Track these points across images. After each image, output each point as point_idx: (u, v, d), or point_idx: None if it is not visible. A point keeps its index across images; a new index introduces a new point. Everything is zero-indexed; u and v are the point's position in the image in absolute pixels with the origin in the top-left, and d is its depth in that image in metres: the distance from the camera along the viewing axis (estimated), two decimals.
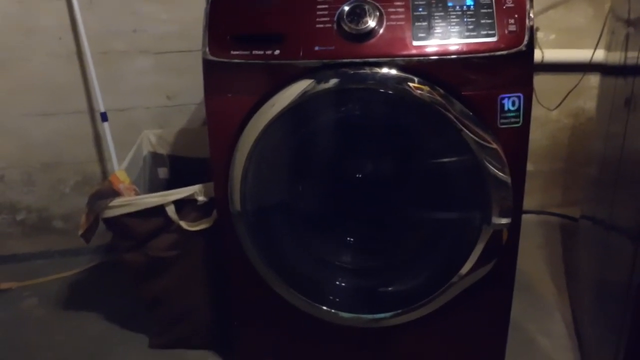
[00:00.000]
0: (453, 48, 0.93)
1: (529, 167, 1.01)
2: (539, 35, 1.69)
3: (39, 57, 1.61)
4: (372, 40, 0.94)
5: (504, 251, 1.03)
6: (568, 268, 1.58)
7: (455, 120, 0.94)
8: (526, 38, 0.92)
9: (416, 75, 0.94)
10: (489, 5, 0.93)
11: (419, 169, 1.10)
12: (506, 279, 1.09)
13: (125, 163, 1.39)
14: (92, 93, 1.64)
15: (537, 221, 1.83)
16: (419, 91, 0.93)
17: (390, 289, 1.12)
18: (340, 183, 1.15)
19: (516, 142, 0.97)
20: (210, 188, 1.15)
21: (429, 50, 0.93)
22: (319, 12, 0.96)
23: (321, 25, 0.95)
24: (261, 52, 0.97)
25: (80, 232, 1.22)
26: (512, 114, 0.95)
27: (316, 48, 0.95)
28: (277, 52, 0.96)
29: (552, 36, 1.71)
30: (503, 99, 0.94)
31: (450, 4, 0.94)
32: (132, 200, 1.20)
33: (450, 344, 1.16)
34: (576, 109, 1.80)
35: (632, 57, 1.05)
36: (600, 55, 1.48)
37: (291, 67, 0.96)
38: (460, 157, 0.98)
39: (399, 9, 0.94)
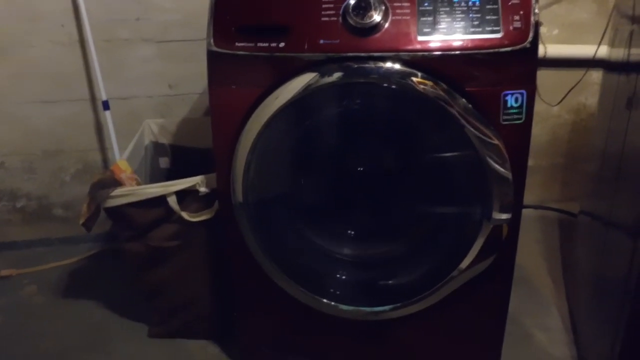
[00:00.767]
0: (457, 44, 0.93)
1: (529, 162, 1.02)
2: (542, 30, 1.68)
3: (41, 44, 1.60)
4: (377, 35, 0.94)
5: (503, 246, 1.04)
6: (566, 263, 1.59)
7: (458, 115, 0.94)
8: (531, 35, 0.92)
9: (420, 70, 0.94)
10: (495, 2, 0.93)
11: (421, 164, 1.10)
12: (505, 273, 1.10)
13: (126, 152, 1.39)
14: (94, 81, 1.63)
15: (535, 216, 1.84)
16: (422, 86, 0.93)
17: (390, 282, 1.12)
18: (342, 176, 1.15)
19: (518, 138, 0.98)
20: (213, 179, 1.15)
21: (433, 45, 0.93)
22: (324, 5, 0.95)
23: (326, 19, 0.95)
24: (266, 44, 0.96)
25: (81, 221, 1.22)
26: (514, 111, 0.95)
27: (321, 41, 0.95)
28: (282, 44, 0.96)
29: (555, 31, 1.71)
30: (506, 95, 0.94)
31: None
32: (133, 190, 1.20)
33: (448, 337, 1.17)
34: (577, 105, 1.80)
35: (636, 54, 1.05)
36: (603, 51, 1.48)
37: (296, 60, 0.96)
38: (462, 152, 0.99)
39: (405, 4, 0.94)
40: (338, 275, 1.14)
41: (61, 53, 1.61)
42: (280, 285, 1.12)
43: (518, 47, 0.92)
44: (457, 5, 0.93)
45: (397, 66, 0.94)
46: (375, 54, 0.94)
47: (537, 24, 0.93)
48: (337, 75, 0.95)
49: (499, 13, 0.93)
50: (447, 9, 0.93)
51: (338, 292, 1.12)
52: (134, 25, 1.61)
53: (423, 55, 0.94)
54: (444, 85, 0.94)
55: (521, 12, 0.92)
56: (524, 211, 1.06)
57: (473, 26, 0.93)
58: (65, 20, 1.58)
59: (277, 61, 0.97)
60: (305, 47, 0.95)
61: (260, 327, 1.23)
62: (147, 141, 1.54)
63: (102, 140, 1.73)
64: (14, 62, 1.61)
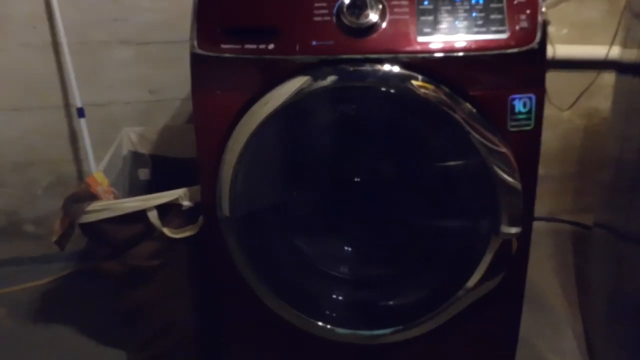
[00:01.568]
0: (460, 45, 0.93)
1: (539, 170, 1.02)
2: (551, 29, 1.69)
3: (10, 47, 1.59)
4: (374, 35, 0.94)
5: (513, 262, 1.03)
6: (580, 279, 1.59)
7: (462, 121, 0.94)
8: (538, 35, 0.92)
9: (420, 73, 0.94)
10: (499, 0, 0.93)
11: (423, 174, 1.10)
12: (515, 292, 1.09)
13: (103, 163, 1.38)
14: (68, 87, 1.62)
15: (547, 229, 1.84)
16: (423, 90, 0.94)
17: (390, 302, 1.12)
18: (338, 188, 1.15)
19: (527, 146, 0.98)
20: (197, 192, 1.14)
21: (434, 46, 0.94)
22: (317, 4, 0.95)
23: (319, 19, 0.95)
24: (254, 47, 0.96)
25: (54, 239, 1.21)
26: (523, 116, 0.96)
27: (313, 43, 0.95)
28: (271, 46, 0.96)
29: (565, 31, 1.72)
30: (514, 99, 0.95)
31: None
32: (110, 205, 1.19)
33: None
34: (589, 109, 1.80)
35: None
36: (616, 52, 1.48)
37: (286, 63, 0.96)
38: (467, 161, 0.99)
39: (403, 2, 0.94)
40: (334, 296, 1.13)
41: (32, 57, 1.60)
42: (271, 307, 1.11)
43: (525, 48, 0.92)
44: (460, 3, 0.94)
45: (395, 69, 0.94)
46: (372, 56, 0.94)
47: (545, 24, 0.94)
48: (331, 79, 0.95)
49: (504, 12, 0.93)
50: (449, 7, 0.94)
51: (334, 315, 1.11)
52: (111, 27, 1.60)
53: (423, 57, 0.94)
54: (447, 89, 0.94)
55: (528, 11, 0.93)
56: (535, 224, 1.06)
57: (477, 26, 0.93)
58: (37, 21, 1.57)
59: (266, 64, 0.97)
60: (297, 49, 0.96)
61: (248, 353, 1.22)
62: (125, 151, 1.53)
63: (76, 150, 1.71)
64: None
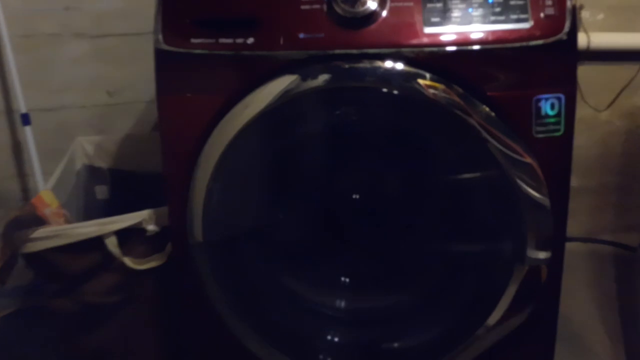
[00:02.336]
0: (475, 36, 0.94)
1: (573, 182, 1.03)
2: (584, 14, 1.71)
3: None
4: (372, 26, 0.95)
5: (542, 293, 1.04)
6: (624, 311, 1.59)
7: (478, 127, 0.95)
8: (567, 24, 0.93)
9: (428, 71, 0.95)
10: None
11: (433, 189, 1.11)
12: (546, 329, 1.10)
13: (52, 180, 1.38)
14: (10, 88, 1.62)
15: (583, 251, 1.84)
16: (432, 90, 0.94)
17: (395, 345, 1.12)
18: (333, 207, 1.16)
19: (556, 154, 0.99)
20: (164, 214, 1.14)
21: (444, 38, 0.94)
22: None
23: (307, 7, 0.96)
24: (230, 41, 0.97)
25: None
26: (551, 120, 0.97)
27: (301, 35, 0.96)
28: (250, 40, 0.97)
29: (600, 16, 1.73)
30: (539, 101, 0.96)
31: None
32: (61, 231, 1.19)
33: None
34: (632, 108, 1.82)
35: None
36: None
37: (269, 60, 0.97)
38: (485, 173, 1.00)
39: None
40: (329, 337, 1.13)
41: None
42: (252, 350, 1.11)
43: (552, 39, 0.93)
44: None
45: (399, 66, 0.95)
46: (371, 51, 0.95)
47: (575, 9, 0.95)
48: (323, 78, 0.96)
49: None
50: None
51: None
52: (61, 17, 1.61)
53: (431, 51, 0.95)
54: (460, 89, 0.95)
55: None
56: (569, 246, 1.07)
57: (494, 14, 0.94)
58: None
59: (246, 61, 0.98)
60: (281, 43, 0.96)
61: None
62: (79, 165, 1.53)
63: (20, 164, 1.71)
64: None
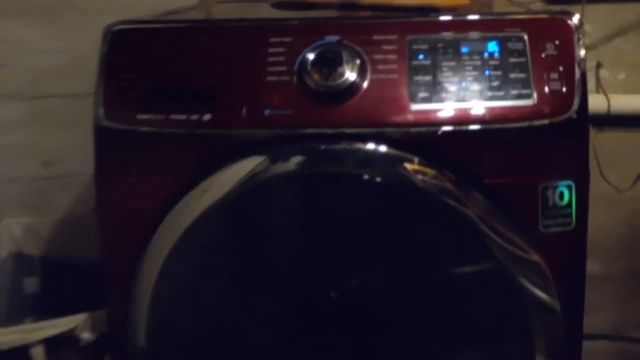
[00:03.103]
0: (470, 115, 0.96)
1: (594, 268, 1.04)
2: (603, 74, 1.74)
3: None
4: (351, 102, 0.96)
5: None
6: None
7: (475, 219, 0.95)
8: (577, 100, 0.95)
9: (417, 154, 0.96)
10: (521, 52, 0.96)
11: (422, 289, 1.10)
12: None
13: None
14: None
15: (608, 350, 1.83)
16: (420, 176, 0.95)
17: None
18: (306, 308, 1.14)
19: (568, 251, 1.00)
20: (101, 319, 1.13)
21: (434, 117, 0.96)
22: (271, 59, 0.98)
23: (274, 78, 0.98)
24: (184, 117, 0.98)
25: None
26: (560, 212, 0.97)
27: (266, 112, 0.97)
28: (207, 117, 0.98)
29: (622, 75, 1.76)
30: (546, 189, 0.97)
31: (464, 49, 0.97)
32: None
33: None
34: None
35: None
36: None
37: (228, 140, 0.98)
38: (484, 272, 1.00)
39: (390, 56, 0.97)
40: None
41: None
42: None
43: (559, 118, 0.95)
44: (467, 57, 0.97)
45: (382, 148, 0.96)
46: (349, 130, 0.96)
47: (585, 82, 0.96)
48: (295, 161, 0.97)
49: (528, 68, 0.96)
50: (452, 63, 0.97)
51: None
52: None
53: (419, 131, 0.96)
54: (452, 176, 0.96)
55: (560, 68, 0.96)
56: (593, 345, 1.06)
57: (491, 89, 0.96)
58: None
59: (201, 141, 0.99)
60: (243, 120, 0.97)
61: None
62: (4, 252, 1.52)
63: None
64: None
